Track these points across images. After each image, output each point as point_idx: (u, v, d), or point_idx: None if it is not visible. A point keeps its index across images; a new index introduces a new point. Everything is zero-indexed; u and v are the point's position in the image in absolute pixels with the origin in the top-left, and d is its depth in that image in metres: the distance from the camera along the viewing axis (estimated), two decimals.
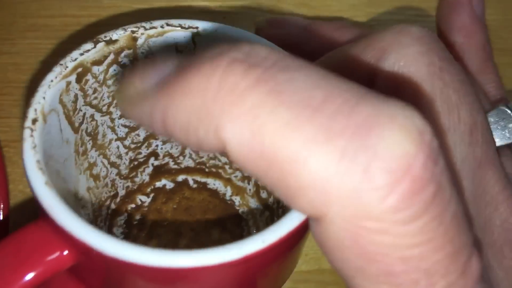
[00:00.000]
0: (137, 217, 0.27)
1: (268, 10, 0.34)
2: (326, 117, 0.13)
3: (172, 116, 0.14)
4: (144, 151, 0.26)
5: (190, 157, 0.28)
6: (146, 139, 0.26)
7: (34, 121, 0.19)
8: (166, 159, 0.27)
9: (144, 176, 0.27)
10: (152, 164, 0.27)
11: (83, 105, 0.22)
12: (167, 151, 0.27)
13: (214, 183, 0.28)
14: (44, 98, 0.19)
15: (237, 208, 0.28)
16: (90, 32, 0.31)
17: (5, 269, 0.17)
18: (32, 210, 0.28)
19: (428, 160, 0.13)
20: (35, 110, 0.19)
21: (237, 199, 0.28)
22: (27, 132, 0.18)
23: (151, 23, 0.22)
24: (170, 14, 0.31)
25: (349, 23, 0.18)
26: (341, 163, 0.12)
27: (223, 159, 0.27)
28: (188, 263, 0.16)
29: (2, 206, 0.26)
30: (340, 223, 0.13)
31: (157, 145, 0.27)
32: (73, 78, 0.21)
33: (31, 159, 0.18)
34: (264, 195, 0.27)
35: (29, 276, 0.17)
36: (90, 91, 0.22)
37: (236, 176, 0.28)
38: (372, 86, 0.21)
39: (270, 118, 0.13)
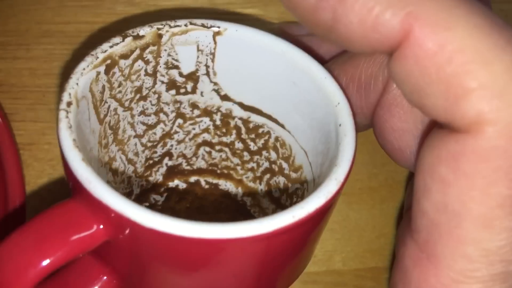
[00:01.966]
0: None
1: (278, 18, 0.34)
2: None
3: None
4: (159, 150, 0.27)
5: (203, 158, 0.28)
6: (162, 138, 0.27)
7: (69, 104, 0.19)
8: (180, 160, 0.28)
9: (158, 176, 0.28)
10: (166, 164, 0.28)
11: (108, 97, 0.23)
12: (181, 151, 0.28)
13: (225, 184, 0.29)
14: (77, 84, 0.20)
15: (249, 208, 0.28)
16: (104, 38, 0.32)
17: (42, 241, 0.17)
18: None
19: None
20: (69, 94, 0.20)
21: (248, 200, 0.28)
22: (62, 114, 0.19)
23: (176, 21, 0.23)
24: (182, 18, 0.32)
25: None
26: None
27: (235, 160, 0.28)
28: (222, 234, 0.17)
29: (18, 205, 0.27)
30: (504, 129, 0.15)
31: (171, 145, 0.27)
32: (102, 69, 0.21)
33: (67, 137, 0.18)
34: (276, 194, 0.27)
35: (64, 249, 0.17)
36: (115, 84, 0.23)
37: (247, 177, 0.28)
38: None
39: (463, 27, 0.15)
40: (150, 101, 0.25)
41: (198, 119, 0.26)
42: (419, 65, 0.16)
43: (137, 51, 0.23)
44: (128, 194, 0.27)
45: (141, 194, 0.28)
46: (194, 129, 0.27)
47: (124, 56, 0.22)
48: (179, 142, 0.27)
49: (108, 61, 0.22)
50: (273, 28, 0.28)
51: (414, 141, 0.21)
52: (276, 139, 0.26)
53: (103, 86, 0.22)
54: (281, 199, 0.27)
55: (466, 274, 0.17)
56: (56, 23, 0.32)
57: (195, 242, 0.17)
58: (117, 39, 0.22)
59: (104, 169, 0.24)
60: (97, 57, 0.21)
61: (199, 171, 0.29)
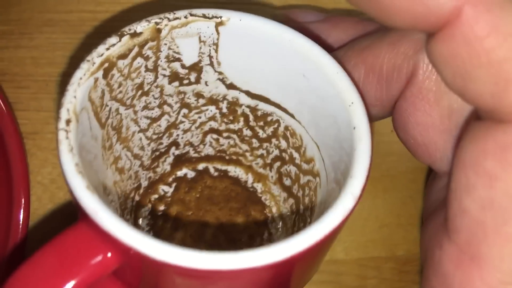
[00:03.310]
0: (161, 208, 0.27)
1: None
2: None
3: None
4: (165, 141, 0.26)
5: (210, 145, 0.28)
6: (167, 129, 0.26)
7: (68, 122, 0.19)
8: (187, 148, 0.27)
9: (165, 165, 0.28)
10: (173, 154, 0.27)
11: (109, 100, 0.22)
12: (188, 140, 0.27)
13: (235, 171, 0.28)
14: (75, 97, 0.19)
15: (260, 195, 0.28)
16: (107, 27, 0.32)
17: (51, 275, 0.17)
18: (50, 201, 0.29)
19: None
20: (68, 110, 0.19)
21: (259, 186, 0.28)
22: (62, 134, 0.18)
23: (175, 13, 0.22)
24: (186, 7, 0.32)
25: (367, 17, 0.18)
26: None
27: (244, 147, 0.27)
28: (234, 265, 0.16)
29: (23, 194, 0.27)
30: None
31: (177, 135, 0.27)
32: (100, 74, 0.20)
33: (69, 162, 0.18)
34: (287, 182, 0.27)
35: (75, 280, 0.17)
36: (115, 86, 0.22)
37: (257, 164, 0.28)
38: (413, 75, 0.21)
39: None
40: (153, 95, 0.24)
41: (203, 108, 0.26)
42: (469, 47, 0.15)
43: (136, 49, 0.21)
44: (136, 189, 0.26)
45: (150, 187, 0.27)
46: (200, 117, 0.26)
47: (122, 56, 0.21)
48: (185, 131, 0.27)
49: (106, 65, 0.21)
50: (277, 15, 0.26)
51: (439, 136, 0.20)
52: (286, 128, 0.25)
53: (103, 91, 0.21)
54: (292, 188, 0.26)
55: None
56: (59, 12, 0.32)
57: (202, 272, 0.16)
58: (113, 39, 0.21)
59: (110, 170, 0.23)
60: (94, 63, 0.20)
61: (207, 158, 0.28)
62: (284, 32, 0.22)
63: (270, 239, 0.27)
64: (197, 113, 0.26)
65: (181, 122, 0.26)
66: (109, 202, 0.23)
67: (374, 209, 0.30)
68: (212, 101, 0.26)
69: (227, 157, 0.28)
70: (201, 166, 0.28)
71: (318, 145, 0.24)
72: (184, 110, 0.26)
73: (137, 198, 0.27)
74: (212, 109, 0.26)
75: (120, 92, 0.22)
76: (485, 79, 0.15)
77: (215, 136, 0.27)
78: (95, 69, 0.20)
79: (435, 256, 0.18)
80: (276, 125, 0.25)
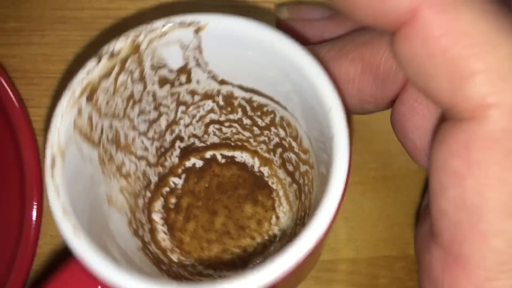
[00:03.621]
0: (173, 200, 0.28)
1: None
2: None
3: None
4: (168, 137, 0.27)
5: (214, 134, 0.28)
6: (168, 126, 0.26)
7: (53, 161, 0.19)
8: (192, 140, 0.28)
9: (173, 158, 0.28)
10: (179, 147, 0.28)
11: (99, 119, 0.22)
12: (191, 132, 0.27)
13: (241, 156, 0.29)
14: (58, 135, 0.20)
15: (266, 179, 0.28)
16: (119, 25, 0.32)
17: None
18: None
19: None
20: (52, 148, 0.19)
21: (265, 170, 0.28)
22: (47, 176, 0.19)
23: (152, 24, 0.21)
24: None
25: None
26: None
27: (247, 134, 0.28)
28: None
29: (36, 193, 0.27)
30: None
31: (180, 130, 0.27)
32: (83, 101, 0.21)
33: (56, 206, 0.19)
34: (290, 168, 0.27)
35: None
36: (103, 104, 0.22)
37: (261, 149, 0.28)
38: None
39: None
40: (146, 101, 0.24)
41: (200, 103, 0.26)
42: (426, 46, 0.15)
43: (117, 66, 0.21)
44: (147, 186, 0.27)
45: (160, 180, 0.28)
46: (199, 112, 0.26)
47: (105, 76, 0.21)
48: (186, 125, 0.27)
49: (88, 90, 0.21)
50: (280, 11, 0.26)
51: None
52: (282, 118, 0.25)
53: (89, 115, 0.21)
54: (295, 175, 0.27)
55: (497, 269, 0.16)
56: (71, 9, 0.32)
57: None
58: (92, 63, 0.21)
59: (114, 180, 0.24)
60: (74, 91, 0.20)
61: (214, 146, 0.29)
62: (264, 33, 0.21)
63: (278, 223, 0.28)
64: (195, 108, 0.26)
65: (181, 118, 0.26)
66: (118, 210, 0.24)
67: (385, 208, 0.29)
68: (208, 96, 0.26)
69: (232, 144, 0.29)
70: (208, 154, 0.29)
71: (310, 139, 0.24)
72: (182, 107, 0.26)
73: (148, 194, 0.28)
74: (209, 103, 0.26)
75: (110, 107, 0.22)
76: (442, 77, 0.16)
77: (217, 126, 0.28)
78: (77, 97, 0.20)
79: (425, 260, 0.19)
80: (272, 115, 0.25)
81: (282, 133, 0.26)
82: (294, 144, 0.25)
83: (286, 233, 0.27)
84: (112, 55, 0.21)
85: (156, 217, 0.28)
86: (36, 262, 0.28)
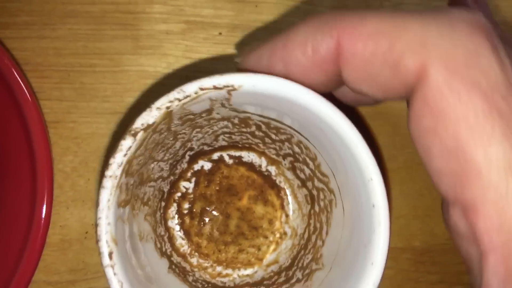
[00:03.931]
0: (186, 206, 0.29)
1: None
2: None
3: (291, 39, 0.20)
4: (181, 152, 0.27)
5: (223, 140, 0.28)
6: (182, 145, 0.26)
7: (111, 255, 0.20)
8: (201, 147, 0.28)
9: (182, 165, 0.29)
10: (189, 155, 0.28)
11: (131, 179, 0.22)
12: (202, 142, 0.28)
13: (248, 156, 0.29)
14: (109, 224, 0.20)
15: (274, 178, 0.29)
16: (129, 19, 0.32)
17: None
18: (71, 188, 0.29)
19: None
20: (107, 242, 0.20)
21: (273, 169, 0.29)
22: (109, 272, 0.20)
23: (184, 91, 0.21)
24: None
25: None
26: None
27: (256, 140, 0.28)
28: None
29: (47, 184, 0.27)
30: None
31: (192, 144, 0.27)
32: (123, 179, 0.21)
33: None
34: (301, 175, 0.28)
35: None
36: (135, 167, 0.22)
37: (270, 151, 0.29)
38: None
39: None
40: (168, 138, 0.24)
41: (215, 123, 0.26)
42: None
43: (150, 134, 0.21)
44: (161, 198, 0.28)
45: (171, 187, 0.29)
46: (212, 129, 0.26)
47: (140, 147, 0.21)
48: (198, 139, 0.27)
49: (126, 168, 0.21)
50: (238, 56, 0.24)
51: None
52: (299, 141, 0.25)
53: (126, 184, 0.21)
54: (306, 183, 0.28)
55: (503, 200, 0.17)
56: (81, 3, 0.32)
57: None
58: (128, 142, 0.21)
59: (140, 214, 0.25)
60: (116, 176, 0.20)
61: (221, 148, 0.29)
62: (300, 95, 0.21)
63: (287, 221, 0.29)
64: (209, 127, 0.26)
65: (195, 136, 0.27)
66: (146, 240, 0.25)
67: (390, 200, 0.30)
68: (224, 118, 0.25)
69: (240, 145, 0.29)
70: (215, 156, 0.29)
71: (333, 173, 0.24)
72: (197, 129, 0.26)
73: (163, 204, 0.28)
74: (224, 123, 0.26)
75: (140, 162, 0.23)
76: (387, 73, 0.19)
77: (227, 135, 0.28)
78: (118, 180, 0.21)
79: (452, 227, 0.19)
80: (289, 136, 0.26)
81: (297, 150, 0.26)
82: (310, 162, 0.26)
83: (296, 231, 0.29)
84: (147, 127, 0.21)
85: (172, 223, 0.29)
86: (45, 251, 0.28)
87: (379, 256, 0.21)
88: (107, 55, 0.31)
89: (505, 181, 0.17)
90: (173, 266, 0.27)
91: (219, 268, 0.29)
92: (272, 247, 0.29)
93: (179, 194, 0.29)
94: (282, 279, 0.27)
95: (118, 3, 0.31)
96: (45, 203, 0.28)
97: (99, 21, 0.31)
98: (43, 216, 0.28)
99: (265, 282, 0.28)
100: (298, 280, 0.26)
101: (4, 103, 0.29)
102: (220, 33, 0.31)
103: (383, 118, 0.31)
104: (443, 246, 0.31)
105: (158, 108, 0.21)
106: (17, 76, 0.28)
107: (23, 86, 0.28)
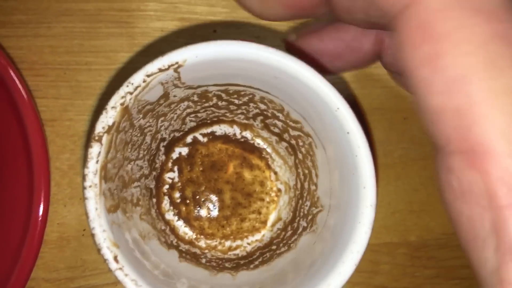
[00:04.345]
0: (177, 195, 0.29)
1: None
2: None
3: None
4: (154, 145, 0.27)
5: (191, 121, 0.28)
6: (152, 138, 0.26)
7: (116, 258, 0.20)
8: (172, 134, 0.28)
9: (160, 157, 0.29)
10: (163, 146, 0.28)
11: (112, 184, 0.22)
12: (171, 130, 0.28)
13: (220, 129, 0.29)
14: (104, 232, 0.20)
15: (252, 142, 0.30)
16: (123, 16, 0.32)
17: None
18: (69, 186, 0.29)
19: None
20: (109, 248, 0.20)
21: (247, 134, 0.29)
22: (120, 275, 0.21)
23: (132, 83, 0.21)
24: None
25: None
26: None
27: (222, 111, 0.28)
28: None
29: (44, 182, 0.28)
30: None
31: (161, 134, 0.27)
32: (103, 186, 0.21)
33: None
34: (276, 130, 0.28)
35: None
36: (112, 171, 0.22)
37: (239, 118, 0.29)
38: None
39: None
40: (135, 135, 0.24)
41: (177, 106, 0.26)
42: None
43: (115, 135, 0.21)
44: (150, 195, 0.28)
45: (157, 182, 0.29)
46: (176, 113, 0.26)
47: (109, 150, 0.21)
48: (166, 128, 0.27)
49: (103, 175, 0.21)
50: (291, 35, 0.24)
51: None
52: (262, 98, 0.25)
53: (109, 189, 0.22)
54: (283, 135, 0.28)
55: None
56: (76, 1, 0.32)
57: None
58: (96, 149, 0.20)
59: (135, 215, 0.25)
60: (96, 184, 0.20)
61: (192, 129, 0.29)
62: (244, 51, 0.21)
63: (278, 178, 0.30)
64: (172, 112, 0.26)
65: (162, 125, 0.27)
66: (149, 238, 0.25)
67: (386, 195, 0.30)
68: (183, 99, 0.25)
69: (208, 121, 0.29)
70: (189, 139, 0.29)
71: (304, 117, 0.24)
72: (161, 118, 0.26)
73: (154, 200, 0.29)
74: (185, 103, 0.26)
75: (116, 165, 0.23)
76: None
77: (193, 115, 0.28)
78: (99, 187, 0.21)
79: (444, 184, 0.16)
80: (251, 95, 0.26)
81: (262, 106, 0.27)
82: (278, 114, 0.26)
83: (289, 184, 0.29)
84: (109, 129, 0.21)
85: (169, 216, 0.29)
86: (43, 249, 0.29)
87: (368, 178, 0.21)
88: (102, 53, 0.31)
89: None
90: (183, 254, 0.27)
91: (228, 243, 0.29)
92: (272, 207, 0.30)
93: (166, 186, 0.29)
94: (289, 232, 0.28)
95: (113, 1, 0.31)
96: (42, 201, 0.28)
97: (94, 19, 0.31)
98: (41, 214, 0.28)
99: (275, 241, 0.28)
100: (304, 229, 0.26)
101: (0, 102, 0.29)
102: (214, 31, 0.31)
103: (379, 113, 0.31)
104: (439, 241, 0.31)
105: (113, 108, 0.21)
106: (13, 74, 0.29)
107: (19, 85, 0.29)
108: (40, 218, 0.28)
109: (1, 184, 0.29)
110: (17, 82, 0.29)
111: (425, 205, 0.31)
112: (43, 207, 0.28)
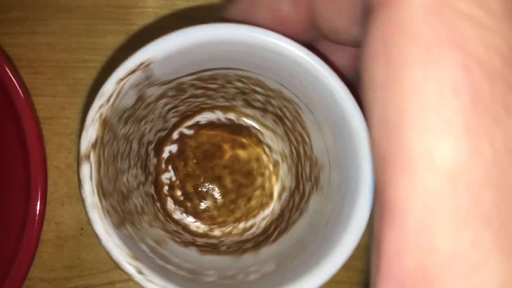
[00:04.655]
0: (178, 193, 0.29)
1: None
2: None
3: None
4: (142, 151, 0.27)
5: (173, 117, 0.28)
6: (139, 143, 0.26)
7: (140, 271, 0.20)
8: (158, 134, 0.28)
9: (152, 161, 0.28)
10: (152, 149, 0.28)
11: (113, 200, 0.22)
12: (155, 131, 0.27)
13: (203, 117, 0.29)
14: (119, 248, 0.20)
15: (238, 122, 0.29)
16: (121, 13, 0.32)
17: None
18: (66, 185, 0.29)
19: None
20: (129, 263, 0.20)
21: (231, 115, 0.29)
22: (149, 286, 0.20)
23: (105, 92, 0.20)
24: None
25: None
26: None
27: (201, 99, 0.28)
28: None
29: (41, 181, 0.27)
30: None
31: (147, 137, 0.27)
32: (103, 202, 0.21)
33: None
34: (258, 104, 0.28)
35: None
36: (108, 186, 0.22)
37: (219, 101, 0.28)
38: None
39: None
40: (121, 145, 0.24)
41: (155, 106, 0.25)
42: None
43: (101, 149, 0.21)
44: (153, 201, 0.28)
45: (156, 185, 0.29)
46: (154, 113, 0.26)
47: (100, 166, 0.21)
48: (150, 130, 0.27)
49: (100, 191, 0.20)
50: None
51: None
52: (237, 76, 0.25)
53: (111, 204, 0.21)
54: (267, 108, 0.27)
55: (430, 219, 0.12)
56: None
57: None
58: (86, 169, 0.20)
59: (144, 224, 0.25)
60: (96, 204, 0.20)
61: (176, 125, 0.29)
62: (206, 33, 0.21)
63: (272, 150, 0.30)
64: (152, 113, 0.26)
65: (145, 129, 0.26)
66: (166, 241, 0.25)
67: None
68: (159, 97, 0.25)
69: (190, 112, 0.29)
70: (175, 135, 0.29)
71: (283, 84, 0.24)
72: (143, 121, 0.26)
73: (158, 205, 0.28)
74: (162, 101, 0.26)
75: (111, 180, 0.22)
76: None
77: (173, 110, 0.28)
78: (101, 206, 0.20)
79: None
80: (224, 77, 0.25)
81: (239, 85, 0.26)
82: (257, 88, 0.26)
83: (285, 154, 0.29)
84: (94, 145, 0.20)
85: (178, 215, 0.29)
86: (40, 248, 0.28)
87: (359, 128, 0.20)
88: (100, 50, 0.31)
89: (444, 200, 0.12)
90: (202, 248, 0.27)
91: (241, 225, 0.29)
92: (273, 179, 0.30)
93: (166, 187, 0.29)
94: (297, 199, 0.28)
95: None
96: (39, 199, 0.28)
97: (91, 16, 0.31)
98: (38, 213, 0.28)
99: (285, 211, 0.28)
100: (310, 193, 0.26)
101: None
102: None
103: None
104: None
105: (92, 123, 0.20)
106: (9, 72, 0.28)
107: (16, 83, 0.28)
108: (37, 217, 0.28)
109: None
110: (14, 80, 0.28)
111: None
112: (40, 206, 0.28)
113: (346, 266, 0.30)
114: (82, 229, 0.30)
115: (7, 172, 0.29)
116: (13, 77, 0.28)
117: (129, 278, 0.30)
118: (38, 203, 0.28)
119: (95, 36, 0.31)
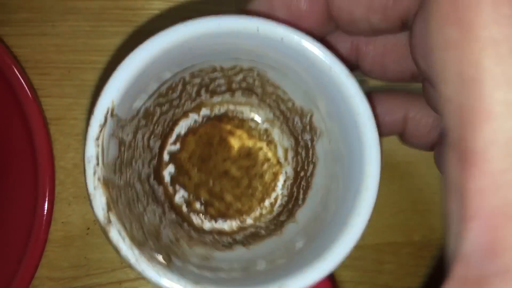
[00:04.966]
0: (197, 205, 0.29)
1: None
2: None
3: None
4: (147, 187, 0.27)
5: (156, 141, 0.28)
6: (140, 183, 0.26)
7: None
8: (150, 166, 0.28)
9: (159, 192, 0.28)
10: (154, 180, 0.28)
11: (129, 223, 0.22)
12: (147, 164, 0.28)
13: (181, 127, 0.29)
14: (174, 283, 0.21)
15: (214, 113, 0.29)
16: (128, 15, 0.32)
17: None
18: (73, 185, 0.29)
19: None
20: (157, 272, 0.20)
21: (205, 111, 0.29)
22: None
23: (90, 160, 0.20)
24: None
25: None
26: None
27: (170, 112, 0.28)
28: None
29: (48, 181, 0.28)
30: None
31: (143, 173, 0.27)
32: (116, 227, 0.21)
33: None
34: (222, 88, 0.28)
35: None
36: (125, 215, 0.22)
37: (187, 104, 0.28)
38: None
39: None
40: (124, 191, 0.24)
41: (134, 143, 0.26)
42: None
43: (109, 192, 0.21)
44: (180, 226, 0.28)
45: (175, 210, 0.29)
46: (138, 147, 0.26)
47: (110, 202, 0.21)
48: (142, 165, 0.27)
49: (127, 233, 0.21)
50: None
51: None
52: (193, 72, 0.25)
53: (123, 226, 0.21)
54: (253, 88, 0.27)
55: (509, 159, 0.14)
56: (81, 0, 0.32)
57: None
58: (114, 230, 0.21)
59: (163, 231, 0.25)
60: (124, 240, 0.20)
61: (161, 148, 0.29)
62: (182, 32, 0.22)
63: (256, 122, 0.30)
64: (135, 150, 0.26)
65: (137, 166, 0.27)
66: (184, 244, 0.26)
67: (390, 195, 0.30)
68: (135, 132, 0.25)
69: (168, 129, 0.29)
70: (166, 157, 0.29)
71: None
72: (133, 162, 0.26)
73: (186, 225, 0.28)
74: (139, 135, 0.26)
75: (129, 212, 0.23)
76: None
77: (152, 136, 0.28)
78: (129, 240, 0.21)
79: (444, 172, 0.16)
80: (213, 72, 0.26)
81: (197, 80, 0.26)
82: (215, 74, 0.26)
83: (271, 119, 0.29)
84: (108, 208, 0.21)
85: (207, 225, 0.29)
86: (48, 247, 0.29)
87: (362, 108, 0.21)
88: (107, 51, 0.31)
89: None
90: (244, 242, 0.27)
91: (266, 202, 0.29)
92: (272, 146, 0.30)
93: (184, 207, 0.29)
94: (303, 153, 0.28)
95: None
96: (46, 199, 0.28)
97: (99, 17, 0.31)
98: (45, 213, 0.28)
99: (299, 170, 0.29)
100: (312, 142, 0.27)
101: (4, 101, 0.29)
102: None
103: None
104: (443, 241, 0.31)
105: (95, 189, 0.20)
106: (17, 73, 0.29)
107: (24, 83, 0.29)
108: (44, 217, 0.28)
109: (5, 183, 0.29)
110: (22, 80, 0.29)
111: (429, 205, 0.31)
112: (48, 206, 0.28)
113: (349, 266, 0.30)
114: (88, 228, 0.30)
115: (15, 172, 0.29)
116: (21, 78, 0.28)
117: (135, 278, 0.30)
118: (46, 203, 0.28)
119: (102, 37, 0.31)
